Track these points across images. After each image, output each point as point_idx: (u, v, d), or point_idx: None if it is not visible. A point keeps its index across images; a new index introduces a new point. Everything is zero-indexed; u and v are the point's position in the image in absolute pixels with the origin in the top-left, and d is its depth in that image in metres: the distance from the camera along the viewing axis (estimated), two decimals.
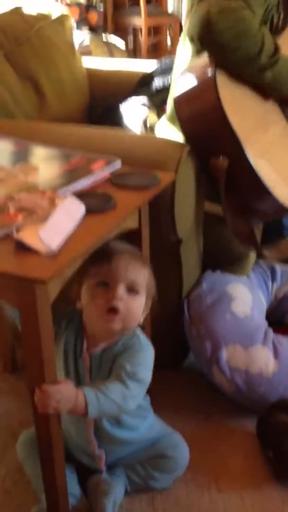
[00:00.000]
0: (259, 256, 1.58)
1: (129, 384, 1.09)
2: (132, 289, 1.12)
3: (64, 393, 1.01)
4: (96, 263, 1.11)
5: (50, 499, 1.11)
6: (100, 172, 1.19)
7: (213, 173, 1.32)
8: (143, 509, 1.20)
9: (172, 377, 1.56)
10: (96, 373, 1.15)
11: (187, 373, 1.59)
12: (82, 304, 1.15)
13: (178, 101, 1.38)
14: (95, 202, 1.08)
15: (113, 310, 1.10)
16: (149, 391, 1.38)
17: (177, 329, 1.52)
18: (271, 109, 1.46)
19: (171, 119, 1.67)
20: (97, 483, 1.20)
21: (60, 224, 0.99)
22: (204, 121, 1.33)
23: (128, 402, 1.08)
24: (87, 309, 1.14)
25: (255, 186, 1.33)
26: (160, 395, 1.48)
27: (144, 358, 1.14)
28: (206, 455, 1.33)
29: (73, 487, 1.19)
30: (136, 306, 1.13)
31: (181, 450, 1.25)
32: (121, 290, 1.11)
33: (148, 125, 1.82)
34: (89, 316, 1.14)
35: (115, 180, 1.18)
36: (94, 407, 1.04)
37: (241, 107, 1.36)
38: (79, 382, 1.15)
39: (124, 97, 1.94)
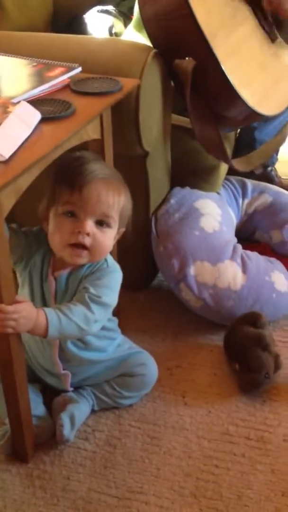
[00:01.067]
0: (230, 166, 1.52)
1: (93, 307, 1.05)
2: (102, 223, 1.06)
3: (23, 312, 0.97)
4: (66, 188, 1.03)
5: (13, 420, 1.10)
6: (58, 78, 1.12)
7: (178, 76, 1.24)
8: (109, 427, 1.20)
9: (140, 297, 1.55)
10: (62, 297, 1.12)
11: (155, 293, 1.57)
12: (48, 229, 1.09)
13: None
14: (53, 109, 1.03)
15: (80, 245, 1.05)
16: (117, 312, 1.36)
17: (145, 247, 1.48)
18: (240, 7, 1.37)
19: (137, 26, 1.57)
20: (62, 402, 1.18)
21: (13, 132, 0.93)
22: (169, 19, 1.23)
23: (91, 326, 1.06)
24: (52, 237, 1.08)
25: (223, 89, 1.26)
26: (129, 315, 1.47)
27: (110, 281, 1.11)
28: (174, 372, 1.33)
29: (38, 408, 1.18)
30: (106, 240, 1.07)
31: (149, 368, 1.24)
32: (89, 225, 1.04)
33: (113, 34, 1.72)
34: (53, 244, 1.09)
35: (74, 86, 1.12)
36: (54, 327, 1.01)
37: (209, 4, 1.26)
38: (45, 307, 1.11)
39: (89, 5, 1.83)
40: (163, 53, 1.25)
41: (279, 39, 1.46)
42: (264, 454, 1.15)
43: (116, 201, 1.07)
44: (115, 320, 1.25)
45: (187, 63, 1.22)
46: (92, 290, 1.07)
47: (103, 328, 1.13)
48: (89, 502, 1.06)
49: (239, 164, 1.50)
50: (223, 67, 1.24)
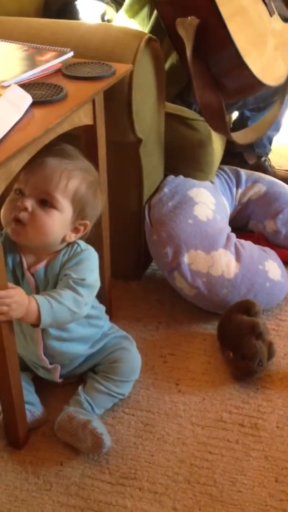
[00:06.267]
0: (228, 139, 1.50)
1: (80, 290, 1.05)
2: (46, 202, 1.04)
3: (15, 297, 0.97)
4: (23, 168, 1.02)
5: (6, 407, 1.10)
6: (50, 62, 1.11)
7: (179, 38, 1.22)
8: (103, 413, 1.19)
9: (133, 286, 1.54)
10: (43, 290, 1.10)
11: (148, 282, 1.56)
12: None
13: None
14: (44, 93, 1.02)
15: (18, 221, 1.04)
16: (110, 301, 1.35)
17: (138, 236, 1.48)
18: None
19: (129, 12, 1.56)
20: (68, 420, 1.11)
21: (3, 115, 0.92)
22: None
23: (82, 308, 1.06)
24: (1, 212, 1.07)
25: (225, 51, 1.25)
26: (122, 304, 1.47)
27: (89, 263, 1.10)
28: (168, 360, 1.32)
29: (30, 396, 1.17)
30: (47, 221, 1.04)
31: (131, 353, 1.23)
32: (29, 200, 1.03)
33: (105, 21, 1.70)
34: (2, 220, 1.07)
35: (66, 71, 1.11)
36: (47, 313, 1.01)
37: None
38: None
39: None
40: (169, 19, 1.24)
41: (276, 14, 1.45)
42: (257, 440, 1.15)
43: (63, 183, 1.04)
44: (101, 307, 1.24)
45: (190, 21, 1.20)
46: (74, 275, 1.07)
47: (88, 316, 1.13)
48: (82, 488, 1.06)
49: (236, 136, 1.49)
50: (227, 27, 1.22)
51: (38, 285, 1.10)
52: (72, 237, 1.10)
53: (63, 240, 1.09)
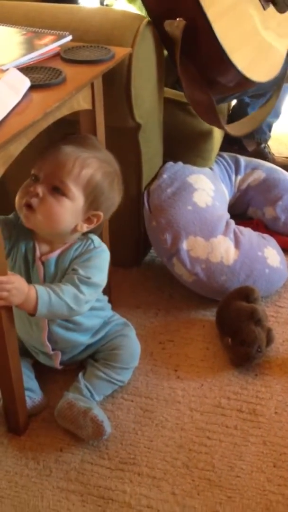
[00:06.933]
0: (221, 130, 1.49)
1: (83, 288, 1.05)
2: (58, 189, 1.03)
3: (16, 283, 0.97)
4: (40, 153, 1.03)
5: (6, 393, 1.10)
6: (48, 46, 1.10)
7: (169, 39, 1.22)
8: (102, 399, 1.19)
9: (132, 273, 1.54)
10: (51, 281, 1.10)
11: (147, 269, 1.56)
12: None
13: None
14: (43, 76, 1.01)
15: (28, 206, 1.03)
16: (110, 288, 1.35)
17: (137, 223, 1.47)
18: None
19: None
20: (68, 407, 1.11)
21: (1, 98, 0.90)
22: None
23: (81, 306, 1.06)
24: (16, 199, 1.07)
25: (213, 52, 1.24)
26: (121, 291, 1.47)
27: (99, 261, 1.10)
28: (166, 346, 1.33)
29: (30, 382, 1.17)
30: (57, 209, 1.03)
31: (131, 340, 1.23)
32: (41, 186, 1.02)
33: (104, 6, 1.69)
34: (15, 205, 1.07)
35: (65, 54, 1.10)
36: (44, 304, 1.01)
37: None
38: None
39: None
40: (155, 13, 1.23)
41: (271, 7, 1.44)
42: (256, 426, 1.15)
43: (76, 170, 1.03)
44: (105, 298, 1.24)
45: (178, 23, 1.19)
46: (81, 271, 1.06)
47: (92, 308, 1.12)
48: (82, 473, 1.06)
49: (231, 128, 1.48)
50: (214, 28, 1.21)
51: (46, 275, 1.10)
52: (84, 227, 1.08)
53: (75, 230, 1.08)
